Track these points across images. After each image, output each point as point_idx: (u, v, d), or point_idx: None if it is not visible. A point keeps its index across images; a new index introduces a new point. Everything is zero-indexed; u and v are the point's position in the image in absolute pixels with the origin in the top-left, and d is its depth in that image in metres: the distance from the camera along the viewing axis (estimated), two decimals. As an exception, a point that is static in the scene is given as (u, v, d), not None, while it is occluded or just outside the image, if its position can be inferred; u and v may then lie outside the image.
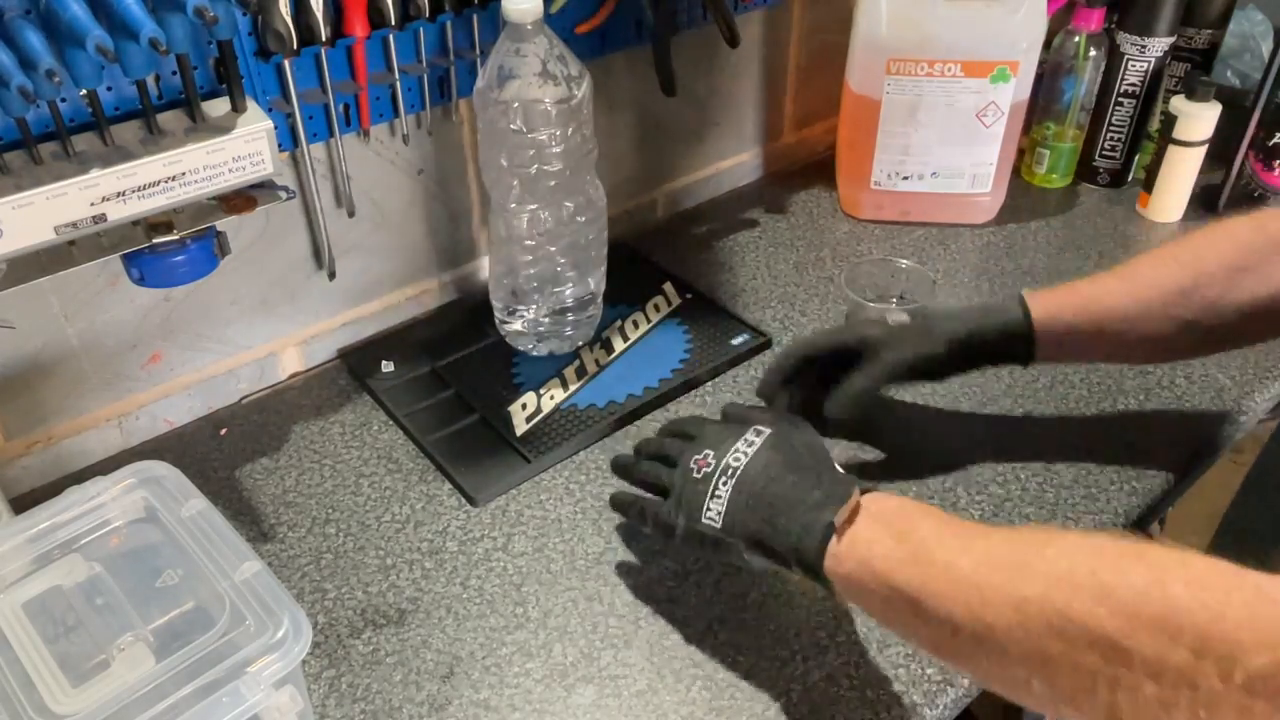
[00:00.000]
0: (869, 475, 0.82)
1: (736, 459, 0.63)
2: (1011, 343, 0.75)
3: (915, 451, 0.84)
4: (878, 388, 0.76)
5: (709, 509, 0.62)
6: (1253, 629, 0.40)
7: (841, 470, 0.63)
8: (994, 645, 0.48)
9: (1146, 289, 0.73)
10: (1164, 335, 0.73)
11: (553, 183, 0.83)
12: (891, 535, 0.55)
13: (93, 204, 0.64)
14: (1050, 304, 0.75)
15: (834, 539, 0.56)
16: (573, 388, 0.90)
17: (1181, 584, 0.43)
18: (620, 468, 0.73)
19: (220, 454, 0.86)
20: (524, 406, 0.88)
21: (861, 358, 0.76)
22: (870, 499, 0.58)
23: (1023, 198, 1.19)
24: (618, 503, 0.72)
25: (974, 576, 0.49)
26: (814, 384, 0.78)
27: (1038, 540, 0.49)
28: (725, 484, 0.62)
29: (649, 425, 0.87)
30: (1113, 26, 1.13)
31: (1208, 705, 0.40)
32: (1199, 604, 0.42)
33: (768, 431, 0.65)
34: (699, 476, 0.64)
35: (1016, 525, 0.53)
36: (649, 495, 0.69)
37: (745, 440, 0.64)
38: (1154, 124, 1.17)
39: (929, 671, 0.66)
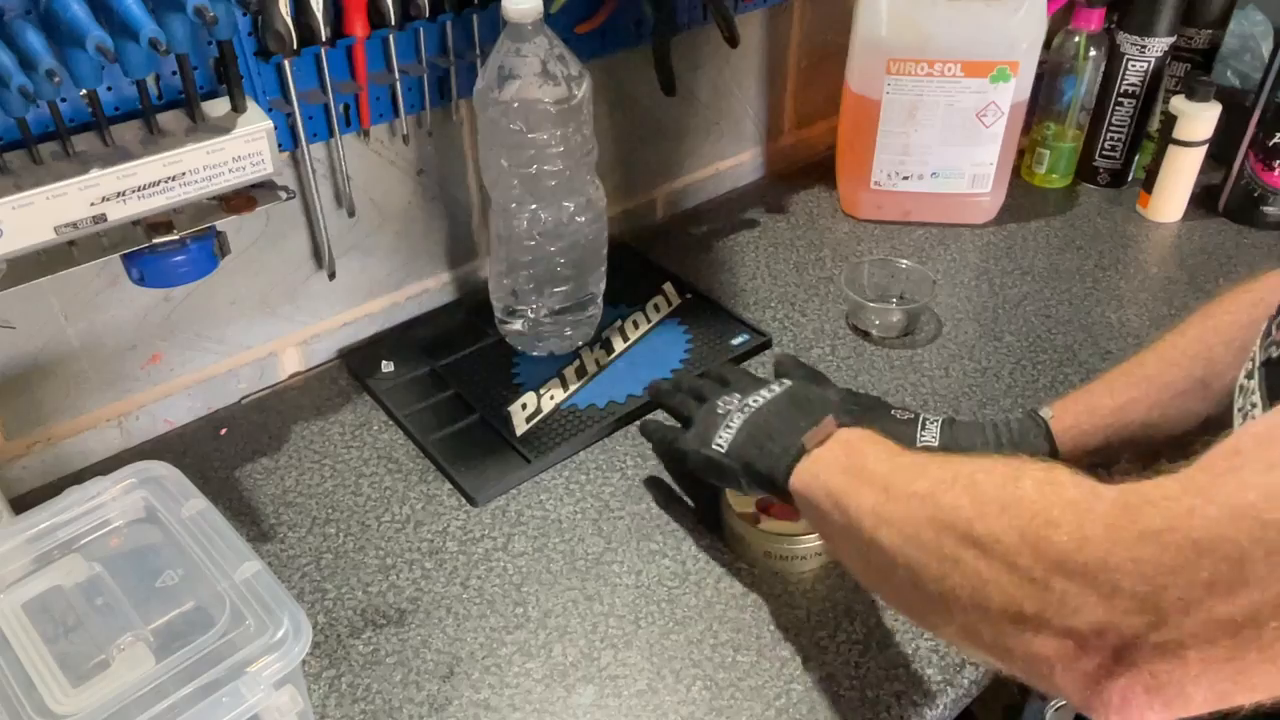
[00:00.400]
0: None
1: (755, 400, 0.69)
2: None
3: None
4: None
5: (719, 438, 0.68)
6: (1068, 513, 0.43)
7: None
8: (886, 537, 0.52)
9: (1162, 391, 0.71)
10: (1188, 432, 0.71)
11: (553, 183, 0.83)
12: (845, 452, 0.60)
13: (93, 204, 0.64)
14: (1073, 428, 0.73)
15: (803, 459, 0.61)
16: (573, 388, 0.90)
17: (1031, 481, 0.47)
18: (657, 391, 0.80)
19: (220, 454, 0.86)
20: (524, 406, 0.88)
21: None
22: (845, 430, 0.62)
23: (1023, 198, 1.19)
24: (646, 430, 0.80)
25: (887, 477, 0.55)
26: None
27: (952, 456, 0.56)
28: (738, 418, 0.68)
29: (649, 425, 0.87)
30: (1113, 26, 1.13)
31: (1021, 583, 0.44)
32: (1038, 494, 0.46)
33: (789, 383, 0.70)
34: (721, 412, 0.70)
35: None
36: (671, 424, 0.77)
37: (769, 388, 0.70)
38: (1154, 124, 1.17)
39: (929, 672, 0.66)
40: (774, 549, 0.72)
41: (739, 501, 0.73)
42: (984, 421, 0.76)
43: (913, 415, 0.77)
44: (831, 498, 0.57)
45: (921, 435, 0.75)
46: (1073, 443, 0.73)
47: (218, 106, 0.71)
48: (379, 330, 0.99)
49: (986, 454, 0.59)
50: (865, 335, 0.98)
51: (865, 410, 0.78)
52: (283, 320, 0.92)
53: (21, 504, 0.77)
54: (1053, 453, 0.73)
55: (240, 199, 0.73)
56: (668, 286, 1.03)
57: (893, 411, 0.78)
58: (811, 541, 0.71)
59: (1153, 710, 0.41)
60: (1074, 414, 0.74)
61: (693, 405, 0.74)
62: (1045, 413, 0.74)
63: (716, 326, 0.97)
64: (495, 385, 0.91)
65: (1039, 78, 1.11)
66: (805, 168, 1.27)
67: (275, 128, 0.70)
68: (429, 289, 1.01)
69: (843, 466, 0.59)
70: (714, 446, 0.68)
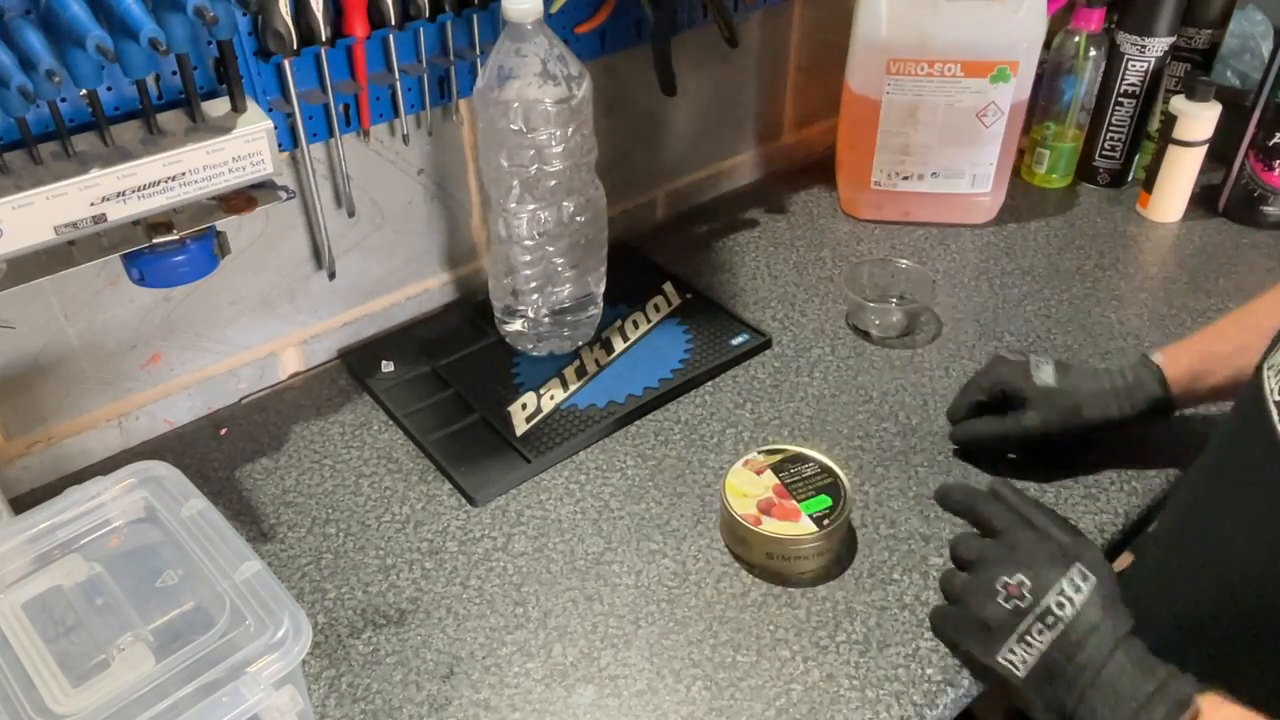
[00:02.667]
0: (869, 477, 0.82)
1: (1060, 604, 0.56)
2: (1150, 417, 0.76)
3: (915, 451, 0.84)
4: (1001, 444, 0.80)
5: (1013, 651, 0.56)
6: None
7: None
8: None
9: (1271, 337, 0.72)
10: None
11: (553, 183, 0.83)
12: None
13: (93, 204, 0.64)
14: (1186, 373, 0.74)
15: None
16: (573, 388, 0.90)
17: None
18: (952, 501, 0.68)
19: (220, 454, 0.86)
20: (524, 406, 0.88)
21: (1002, 405, 0.79)
22: (1209, 705, 0.51)
23: (1023, 198, 1.19)
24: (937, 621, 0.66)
25: None
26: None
27: None
28: (1041, 634, 0.55)
29: (649, 425, 0.87)
30: (1113, 26, 1.13)
31: None
32: None
33: (1093, 578, 0.57)
34: (1008, 606, 0.57)
35: None
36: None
37: (1071, 582, 0.56)
38: (1154, 124, 1.17)
39: (929, 672, 0.66)
40: (775, 550, 0.72)
41: (739, 503, 0.73)
42: (1097, 368, 0.78)
43: (1022, 357, 0.80)
44: None
45: (1038, 374, 0.77)
46: (1185, 388, 0.74)
47: (218, 106, 0.71)
48: (379, 330, 0.99)
49: None
50: (865, 335, 0.98)
51: (981, 378, 0.80)
52: (283, 320, 0.92)
53: (21, 504, 0.77)
54: (1166, 398, 0.74)
55: (240, 199, 0.73)
56: (668, 286, 1.03)
57: (1005, 353, 0.81)
58: (812, 542, 0.71)
59: None
60: (1187, 359, 0.75)
61: (957, 580, 0.62)
62: (1156, 358, 0.76)
63: (716, 326, 0.97)
64: (495, 385, 0.91)
65: (1039, 78, 1.11)
66: (805, 168, 1.27)
67: (275, 128, 0.70)
68: (429, 289, 1.01)
69: None
70: (1003, 662, 0.57)
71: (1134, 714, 0.52)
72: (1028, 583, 0.57)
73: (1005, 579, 0.57)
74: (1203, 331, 0.77)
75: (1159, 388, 0.75)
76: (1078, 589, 0.56)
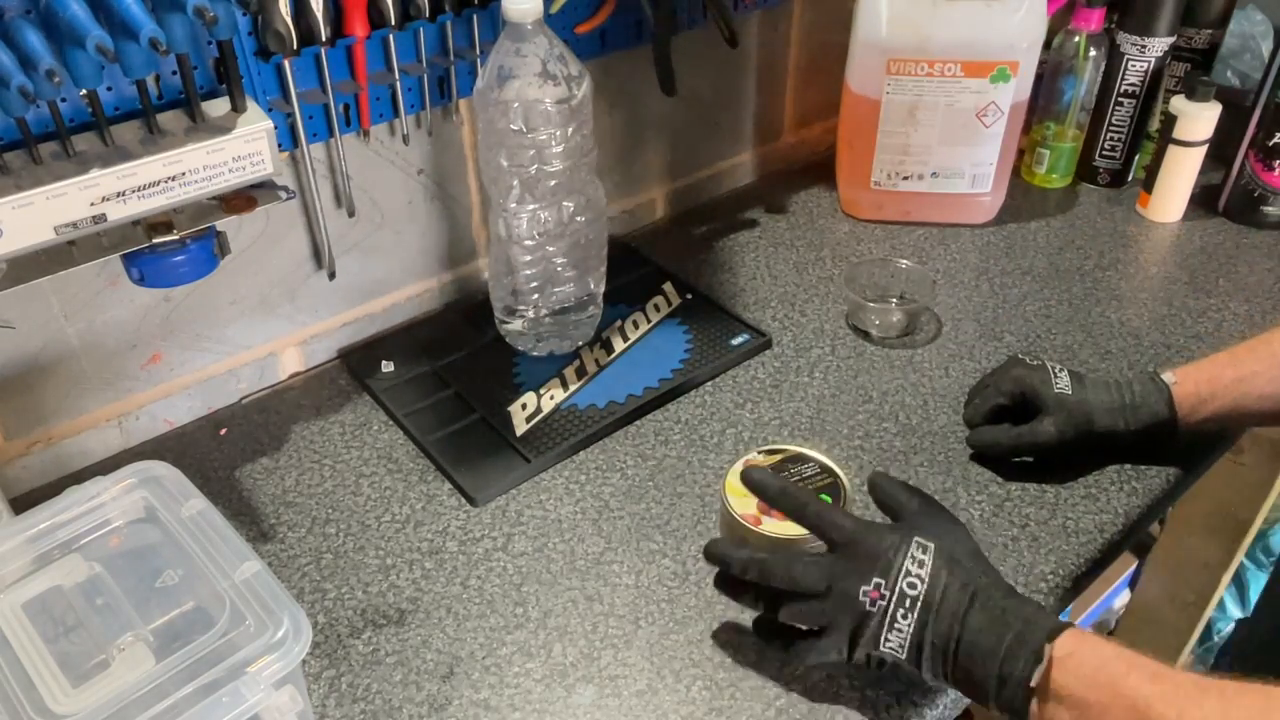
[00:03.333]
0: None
1: (911, 585, 0.59)
2: (1152, 434, 0.77)
3: (915, 451, 0.84)
4: (1016, 452, 0.81)
5: (888, 639, 0.59)
6: None
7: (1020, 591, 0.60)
8: None
9: None
10: None
11: (553, 183, 0.83)
12: (1100, 693, 0.53)
13: (93, 204, 0.64)
14: (1193, 395, 0.76)
15: (1035, 699, 0.55)
16: (573, 388, 0.90)
17: None
18: (726, 582, 0.66)
19: (220, 454, 0.86)
20: (524, 406, 0.88)
21: (1017, 408, 0.80)
22: (1063, 648, 0.55)
23: (1023, 198, 1.19)
24: (763, 631, 0.67)
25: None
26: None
27: (1260, 709, 0.48)
28: (905, 616, 0.58)
29: (649, 425, 0.87)
30: (1113, 26, 1.13)
31: None
32: None
33: (932, 546, 0.60)
34: (874, 610, 0.59)
35: (1226, 682, 0.50)
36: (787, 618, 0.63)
37: (913, 559, 0.59)
38: (1154, 124, 1.17)
39: (929, 671, 0.66)
40: (775, 550, 0.72)
41: (740, 503, 0.73)
42: (1109, 380, 0.79)
43: (1039, 363, 0.81)
44: None
45: (1056, 382, 0.78)
46: (1191, 409, 0.76)
47: (218, 106, 0.71)
48: (379, 330, 0.99)
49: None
50: (865, 335, 0.98)
51: (1000, 379, 0.81)
52: (283, 320, 0.92)
53: (21, 504, 0.77)
54: (1171, 417, 0.76)
55: (240, 199, 0.73)
56: (668, 286, 1.03)
57: (1022, 357, 0.82)
58: (812, 542, 0.71)
59: None
60: (1195, 381, 0.76)
61: (808, 609, 0.61)
62: (1168, 377, 0.77)
63: (716, 326, 0.97)
64: (495, 385, 0.91)
65: (1039, 78, 1.11)
66: (805, 168, 1.27)
67: (275, 128, 0.70)
68: (429, 289, 1.01)
69: (1119, 714, 0.52)
70: (885, 649, 0.59)
71: (999, 668, 0.56)
72: (882, 583, 0.59)
73: (865, 589, 0.59)
74: (1218, 355, 0.78)
75: (1165, 408, 0.76)
76: (921, 563, 0.59)
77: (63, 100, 0.64)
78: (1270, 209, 1.12)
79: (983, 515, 0.78)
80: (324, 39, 0.78)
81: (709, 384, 0.92)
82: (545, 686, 0.66)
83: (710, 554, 0.65)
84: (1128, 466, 0.81)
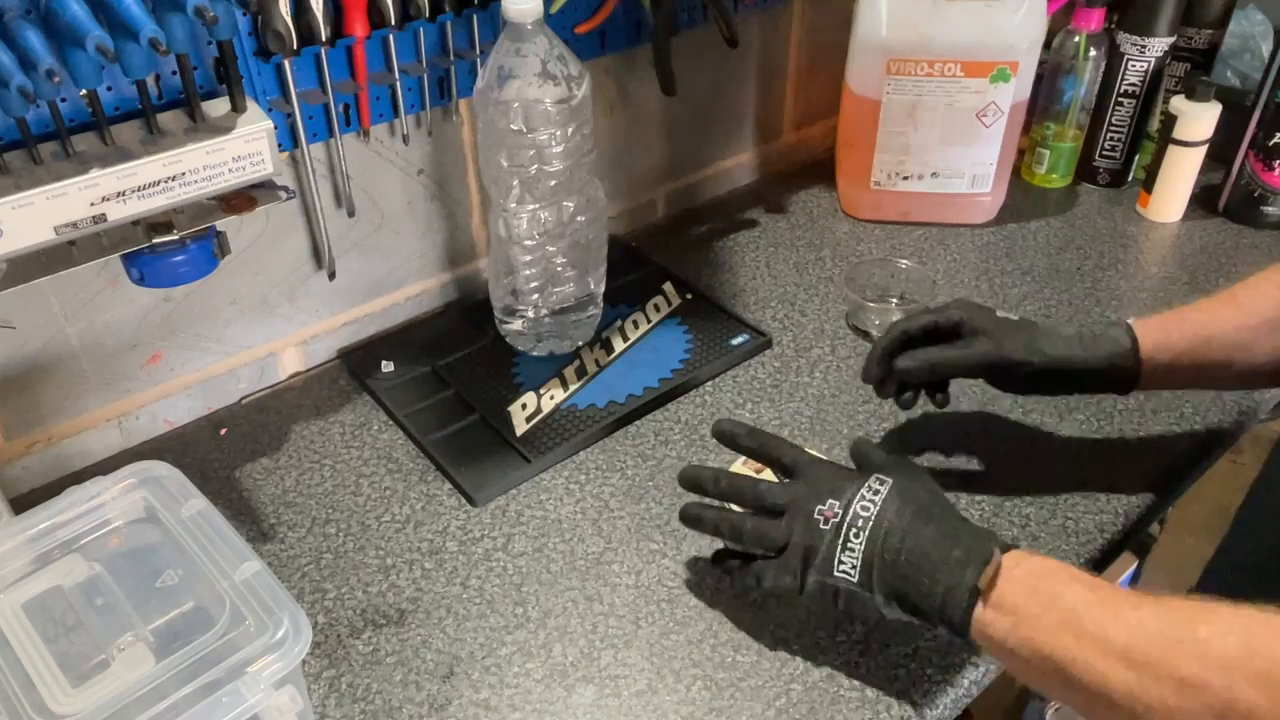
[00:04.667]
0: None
1: (865, 508, 0.61)
2: (1114, 374, 0.74)
3: (915, 451, 0.84)
4: (958, 367, 0.76)
5: (841, 562, 0.60)
6: None
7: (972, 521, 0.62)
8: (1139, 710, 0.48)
9: (1250, 316, 0.72)
10: (1270, 364, 0.72)
11: (553, 183, 0.83)
12: (1039, 601, 0.54)
13: (93, 204, 0.64)
14: (1158, 335, 0.73)
15: (980, 604, 0.56)
16: (573, 388, 0.90)
17: None
18: (694, 518, 0.68)
19: (220, 454, 0.86)
20: (524, 406, 0.88)
21: (959, 336, 0.76)
22: (1012, 559, 0.57)
23: (1023, 198, 1.19)
24: (723, 567, 0.68)
25: (1129, 652, 0.49)
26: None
27: (1188, 615, 0.49)
28: (857, 536, 0.60)
29: (649, 425, 0.87)
30: (1113, 26, 1.13)
31: None
32: None
33: (889, 480, 0.62)
34: (827, 528, 0.61)
35: (1159, 595, 0.52)
36: (743, 545, 0.65)
37: (869, 488, 0.62)
38: (1154, 124, 1.17)
39: (929, 671, 0.66)
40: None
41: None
42: (1067, 327, 0.76)
43: (1012, 316, 0.77)
44: (1046, 659, 0.52)
45: (1001, 310, 0.76)
46: (1154, 345, 0.73)
47: (218, 106, 0.71)
48: (379, 330, 0.99)
49: (1218, 605, 0.50)
50: (865, 335, 0.98)
51: (944, 309, 0.77)
52: (283, 320, 0.92)
53: (21, 504, 0.77)
54: (1134, 349, 0.73)
55: (240, 199, 0.73)
56: (668, 286, 1.03)
57: (998, 313, 0.77)
58: None
59: None
60: (1158, 321, 0.74)
61: (768, 526, 0.63)
62: (1129, 320, 0.75)
63: (716, 326, 0.97)
64: (495, 385, 0.91)
65: (1039, 78, 1.11)
66: (805, 168, 1.27)
67: (275, 128, 0.70)
68: (429, 289, 1.01)
69: (1049, 624, 0.53)
70: (839, 574, 0.60)
71: (949, 576, 0.57)
72: (837, 503, 0.62)
73: (820, 508, 0.62)
74: (1179, 306, 0.76)
75: (1125, 336, 0.73)
76: (876, 491, 0.62)
77: (63, 100, 0.64)
78: (1270, 209, 1.12)
79: (983, 515, 0.78)
80: (324, 39, 0.78)
81: (709, 384, 0.92)
82: (545, 686, 0.66)
83: (684, 477, 0.69)
84: (1129, 465, 0.81)
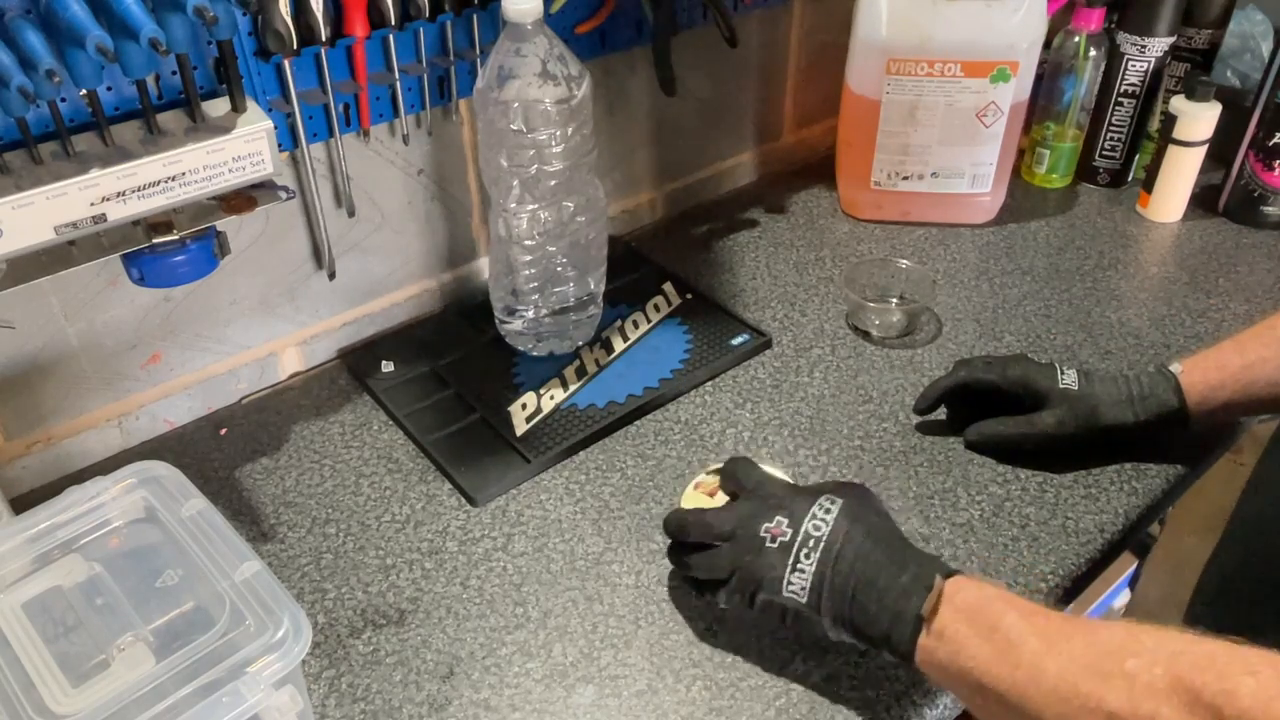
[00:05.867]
0: (869, 477, 0.82)
1: (816, 528, 0.61)
2: (1163, 424, 0.77)
3: (915, 451, 0.84)
4: (1021, 444, 0.80)
5: (790, 582, 0.60)
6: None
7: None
8: None
9: None
10: None
11: (553, 183, 0.83)
12: (977, 631, 0.55)
13: (93, 204, 0.64)
14: (1201, 384, 0.76)
15: (923, 631, 0.57)
16: (573, 388, 0.90)
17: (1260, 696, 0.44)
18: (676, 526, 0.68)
19: (220, 454, 0.86)
20: (524, 406, 0.88)
21: (1020, 402, 0.79)
22: (953, 586, 0.57)
23: (1023, 198, 1.19)
24: (687, 580, 0.67)
25: (1060, 685, 0.50)
26: (959, 403, 0.84)
27: (1118, 646, 0.50)
28: (808, 556, 0.60)
29: (649, 425, 0.87)
30: (1113, 26, 1.13)
31: None
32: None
33: (840, 501, 0.63)
34: (775, 546, 0.61)
35: (1097, 621, 0.53)
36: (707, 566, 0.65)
37: (821, 507, 0.62)
38: (1154, 124, 1.17)
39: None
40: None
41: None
42: (1116, 375, 0.79)
43: (1047, 361, 0.81)
44: (985, 689, 0.53)
45: (1062, 379, 0.79)
46: (1201, 398, 0.76)
47: (218, 106, 0.71)
48: (379, 330, 0.99)
49: (1146, 631, 0.51)
50: (865, 335, 0.98)
51: (1006, 363, 0.81)
52: (283, 320, 0.92)
53: (21, 504, 0.77)
54: (1182, 407, 0.76)
55: (240, 199, 0.73)
56: (668, 286, 1.03)
57: (1059, 380, 0.80)
58: None
59: None
60: (1202, 370, 0.76)
61: (721, 555, 0.63)
62: (1175, 368, 0.77)
63: (716, 326, 0.97)
64: (495, 385, 0.91)
65: (1039, 78, 1.11)
66: (805, 168, 1.27)
67: (275, 128, 0.70)
68: (429, 289, 1.01)
69: (987, 655, 0.53)
70: (788, 594, 0.60)
71: (895, 603, 0.58)
72: (785, 520, 0.62)
73: (767, 525, 0.62)
74: (1223, 343, 0.78)
75: (1173, 397, 0.76)
76: (828, 510, 0.62)
77: (63, 100, 0.64)
78: (1270, 209, 1.12)
79: (983, 515, 0.78)
80: (324, 39, 0.78)
81: (709, 384, 0.92)
82: (545, 686, 0.66)
83: (664, 528, 0.68)
84: (1128, 466, 0.81)
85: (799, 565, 0.60)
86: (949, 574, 0.58)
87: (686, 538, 0.66)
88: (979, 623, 0.55)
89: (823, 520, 0.61)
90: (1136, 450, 0.81)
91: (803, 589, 0.60)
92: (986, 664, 0.53)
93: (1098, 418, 0.77)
